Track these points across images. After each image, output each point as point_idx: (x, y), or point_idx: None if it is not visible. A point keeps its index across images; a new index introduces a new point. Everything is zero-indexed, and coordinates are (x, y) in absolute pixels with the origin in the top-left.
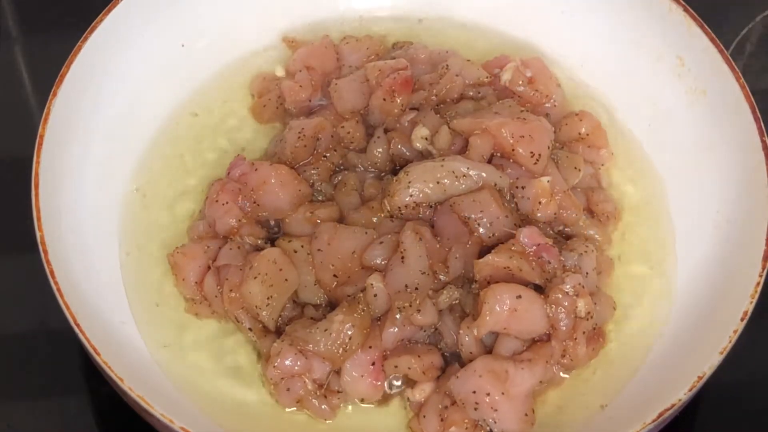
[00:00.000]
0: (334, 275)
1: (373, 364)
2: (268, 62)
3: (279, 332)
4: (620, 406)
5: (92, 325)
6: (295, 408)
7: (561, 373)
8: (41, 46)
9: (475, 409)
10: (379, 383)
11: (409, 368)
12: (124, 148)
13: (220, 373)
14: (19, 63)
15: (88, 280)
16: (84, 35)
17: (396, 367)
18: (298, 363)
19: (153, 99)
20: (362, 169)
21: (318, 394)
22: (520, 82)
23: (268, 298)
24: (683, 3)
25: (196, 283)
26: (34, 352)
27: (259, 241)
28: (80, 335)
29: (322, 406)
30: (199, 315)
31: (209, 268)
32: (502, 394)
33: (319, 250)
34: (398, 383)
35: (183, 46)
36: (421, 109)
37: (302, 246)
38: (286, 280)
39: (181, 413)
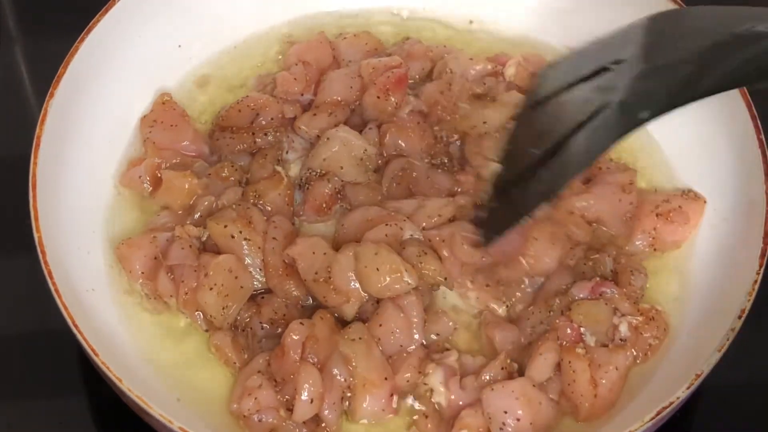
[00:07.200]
0: (284, 261)
1: (391, 395)
2: (265, 62)
3: (233, 327)
4: (620, 405)
5: (91, 326)
6: None
7: None
8: (41, 46)
9: (501, 429)
10: (395, 406)
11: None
12: (122, 148)
13: (220, 373)
14: (19, 63)
15: (87, 280)
16: (81, 36)
17: (408, 381)
18: (276, 398)
19: (150, 99)
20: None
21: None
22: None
23: (223, 308)
24: (681, 3)
25: (142, 273)
26: (34, 352)
27: (202, 235)
28: (78, 336)
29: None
30: (156, 311)
31: (156, 258)
32: (531, 424)
33: (273, 238)
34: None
35: (180, 47)
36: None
37: (240, 232)
38: (242, 287)
39: (180, 413)
